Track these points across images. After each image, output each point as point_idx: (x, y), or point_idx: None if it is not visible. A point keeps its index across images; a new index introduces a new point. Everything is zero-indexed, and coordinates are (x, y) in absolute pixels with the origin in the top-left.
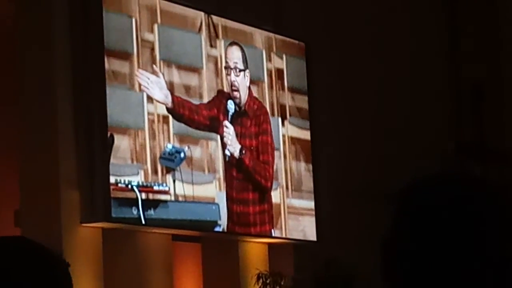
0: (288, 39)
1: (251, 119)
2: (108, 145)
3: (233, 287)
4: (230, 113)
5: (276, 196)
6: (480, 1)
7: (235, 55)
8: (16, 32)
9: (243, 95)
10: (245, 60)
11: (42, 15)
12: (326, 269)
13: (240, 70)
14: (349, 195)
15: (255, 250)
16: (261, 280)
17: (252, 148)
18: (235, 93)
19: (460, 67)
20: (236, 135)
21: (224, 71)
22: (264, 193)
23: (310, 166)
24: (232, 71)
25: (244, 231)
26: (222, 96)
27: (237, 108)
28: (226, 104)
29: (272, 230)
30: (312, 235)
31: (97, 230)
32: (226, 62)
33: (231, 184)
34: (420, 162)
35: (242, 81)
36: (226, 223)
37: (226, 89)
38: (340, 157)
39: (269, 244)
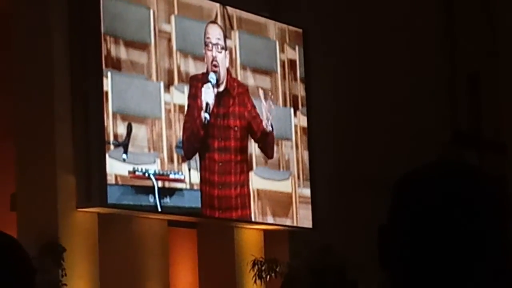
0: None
1: (234, 98)
2: (104, 131)
3: (228, 273)
4: (213, 83)
5: (287, 185)
6: None
7: (216, 32)
8: (14, 19)
9: (222, 73)
10: (224, 38)
11: (40, 1)
12: (321, 256)
13: (222, 48)
14: (345, 183)
15: (250, 237)
16: (256, 267)
17: (236, 128)
18: (216, 68)
19: (456, 57)
20: (218, 116)
21: (206, 49)
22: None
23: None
24: (214, 47)
25: (225, 216)
26: (197, 81)
27: (217, 85)
28: (207, 78)
29: (252, 215)
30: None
31: (93, 215)
32: (208, 38)
33: (212, 168)
34: (416, 151)
35: (223, 59)
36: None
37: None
38: (337, 145)
39: (265, 230)
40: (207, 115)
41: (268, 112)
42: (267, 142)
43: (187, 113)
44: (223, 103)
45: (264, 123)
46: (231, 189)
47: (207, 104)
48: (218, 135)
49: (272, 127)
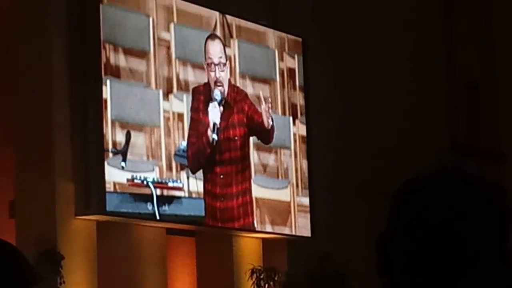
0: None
1: (232, 108)
2: (103, 138)
3: (226, 281)
4: (218, 101)
5: (286, 194)
6: (475, 2)
7: (218, 50)
8: (14, 27)
9: (226, 88)
10: (225, 52)
11: (40, 6)
12: (319, 265)
13: (224, 65)
14: (344, 192)
15: (249, 245)
16: (255, 275)
17: (236, 138)
18: (220, 88)
19: (455, 66)
20: (219, 130)
21: (208, 67)
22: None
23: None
24: (217, 67)
25: (227, 226)
26: (199, 94)
27: (221, 100)
28: (211, 94)
29: (254, 223)
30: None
31: (91, 222)
32: (209, 57)
33: (214, 181)
34: (415, 160)
35: (225, 75)
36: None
37: (211, 85)
38: (336, 153)
39: (263, 239)
40: (215, 136)
41: (268, 113)
42: (269, 136)
43: (191, 126)
44: (224, 116)
45: (265, 123)
46: (232, 201)
47: (214, 124)
48: (218, 149)
49: (272, 120)
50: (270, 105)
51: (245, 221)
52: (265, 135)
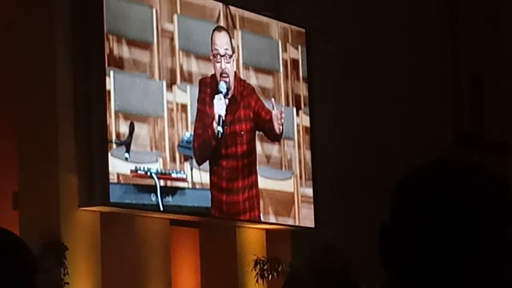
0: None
1: (239, 104)
2: (107, 129)
3: (230, 272)
4: (223, 93)
5: (289, 185)
6: None
7: (224, 41)
8: (17, 18)
9: (232, 80)
10: (231, 44)
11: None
12: (323, 256)
13: (230, 56)
14: (347, 183)
15: (253, 236)
16: (258, 266)
17: (242, 132)
18: (225, 79)
19: (460, 58)
20: (225, 124)
21: (214, 59)
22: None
23: None
24: (222, 59)
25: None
26: (206, 86)
27: (227, 92)
28: (217, 86)
29: (261, 215)
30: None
31: (95, 214)
32: (216, 49)
33: (220, 174)
34: (419, 152)
35: (231, 67)
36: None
37: (217, 76)
38: (339, 144)
39: (267, 230)
40: (220, 129)
41: (279, 120)
42: (279, 138)
43: (197, 118)
44: (230, 110)
45: (276, 129)
46: (238, 195)
47: (219, 116)
48: (224, 143)
49: (282, 125)
50: (282, 114)
51: (250, 215)
52: (275, 138)
